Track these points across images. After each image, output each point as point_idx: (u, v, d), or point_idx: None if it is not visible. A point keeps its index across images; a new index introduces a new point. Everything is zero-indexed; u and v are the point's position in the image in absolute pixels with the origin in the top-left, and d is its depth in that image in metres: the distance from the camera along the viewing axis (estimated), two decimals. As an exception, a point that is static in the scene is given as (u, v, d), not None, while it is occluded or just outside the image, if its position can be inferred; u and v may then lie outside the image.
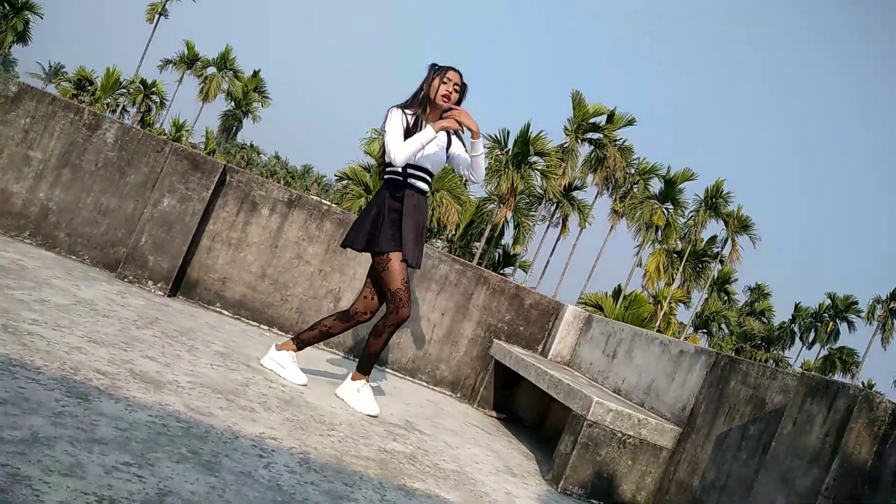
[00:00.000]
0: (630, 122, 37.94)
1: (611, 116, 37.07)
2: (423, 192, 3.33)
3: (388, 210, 3.25)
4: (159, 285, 4.21)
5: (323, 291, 4.60)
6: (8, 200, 4.17)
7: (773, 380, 3.03)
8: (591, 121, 36.75)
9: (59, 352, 2.36)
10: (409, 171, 3.28)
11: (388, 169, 3.33)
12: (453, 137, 3.47)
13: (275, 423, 2.53)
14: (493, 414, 4.71)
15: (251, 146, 68.51)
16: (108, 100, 44.74)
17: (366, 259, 4.63)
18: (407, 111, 3.28)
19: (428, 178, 3.34)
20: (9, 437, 1.62)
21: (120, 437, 1.85)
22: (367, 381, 3.35)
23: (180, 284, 4.37)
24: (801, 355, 59.28)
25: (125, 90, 46.63)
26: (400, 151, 3.17)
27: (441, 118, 3.29)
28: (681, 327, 45.66)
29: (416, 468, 2.69)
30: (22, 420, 1.73)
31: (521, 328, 4.97)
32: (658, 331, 37.66)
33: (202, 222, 4.36)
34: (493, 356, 4.73)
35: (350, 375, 3.38)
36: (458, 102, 3.32)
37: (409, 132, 3.22)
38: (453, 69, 3.31)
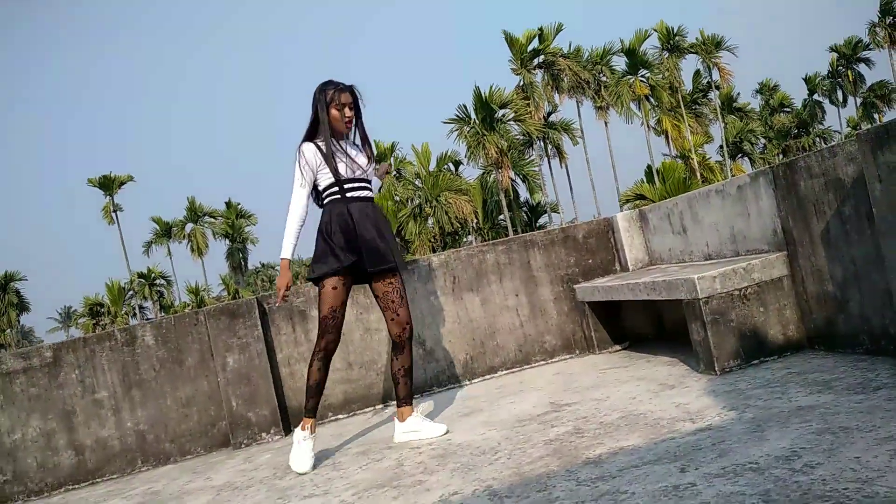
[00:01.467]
0: (559, 30, 37.59)
1: (541, 37, 36.76)
2: (363, 199, 3.35)
3: (329, 231, 3.29)
4: (272, 432, 4.27)
5: (406, 344, 4.62)
6: (106, 446, 4.29)
7: (835, 157, 2.95)
8: (530, 49, 36.48)
9: (233, 542, 2.40)
10: (345, 186, 3.31)
11: (326, 193, 3.35)
12: (357, 143, 3.47)
13: (446, 480, 2.55)
14: (617, 348, 4.68)
15: (263, 266, 69.38)
16: (125, 309, 45.76)
17: (422, 288, 4.65)
18: (319, 142, 3.31)
19: (364, 185, 3.37)
20: None
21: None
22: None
23: (289, 419, 4.44)
24: (841, 118, 57.53)
25: (132, 291, 47.67)
26: (291, 212, 3.28)
27: (345, 139, 3.39)
28: (720, 166, 44.90)
29: (588, 437, 2.69)
30: None
31: (590, 261, 4.93)
32: (704, 181, 37.11)
33: (271, 356, 4.42)
34: (583, 300, 4.70)
35: (397, 418, 3.43)
36: (358, 117, 3.39)
37: (328, 158, 3.27)
38: (343, 92, 3.30)
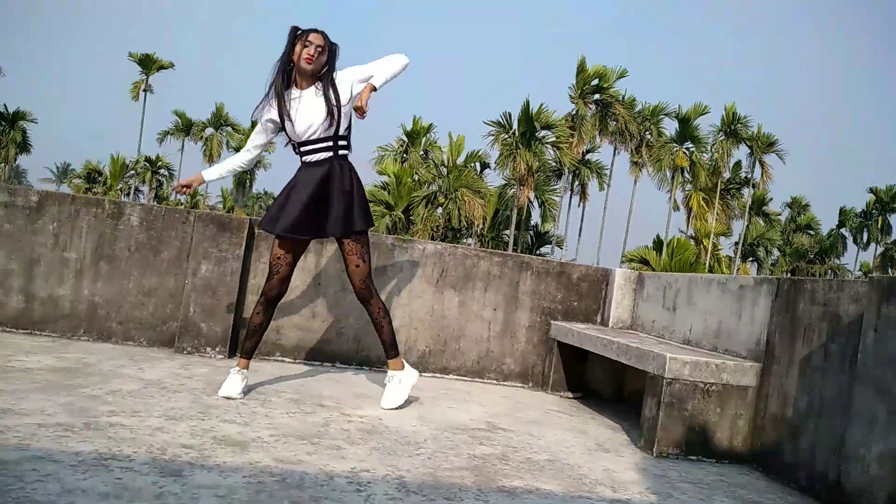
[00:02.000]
0: (622, 75, 37.54)
1: (603, 75, 36.74)
2: (314, 164, 3.29)
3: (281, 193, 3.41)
4: (217, 349, 4.27)
5: (374, 316, 4.61)
6: (57, 305, 4.28)
7: (841, 291, 2.96)
8: (593, 83, 36.46)
9: (143, 436, 2.41)
10: (301, 149, 3.30)
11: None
12: (346, 83, 3.27)
13: (363, 455, 2.55)
14: (569, 395, 4.69)
15: (266, 193, 69.27)
16: (120, 185, 45.63)
17: (408, 269, 4.65)
18: (271, 99, 3.24)
19: (322, 145, 3.26)
20: (120, 531, 1.66)
21: (223, 506, 1.89)
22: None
23: (237, 342, 4.43)
24: (857, 259, 57.72)
25: (133, 171, 47.54)
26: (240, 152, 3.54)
27: (315, 83, 3.24)
28: (729, 261, 44.96)
29: (510, 466, 2.69)
30: (128, 512, 1.77)
31: (575, 303, 4.93)
32: (710, 270, 37.17)
33: (243, 278, 4.41)
34: (555, 338, 4.70)
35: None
36: (329, 64, 3.24)
37: (282, 113, 3.22)
38: (315, 31, 3.21)
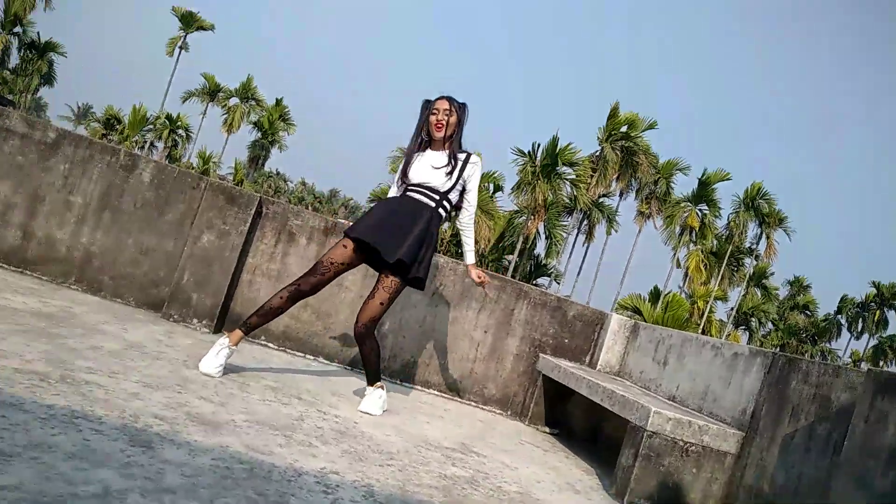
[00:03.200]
0: (651, 126, 37.72)
1: (632, 122, 36.88)
2: (414, 200, 3.45)
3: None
4: (204, 322, 4.23)
5: (365, 316, 4.58)
6: (53, 247, 4.24)
7: (836, 377, 2.93)
8: (622, 129, 36.62)
9: (117, 399, 2.36)
10: (408, 187, 3.50)
11: None
12: (467, 173, 3.54)
13: (334, 457, 2.51)
14: (546, 430, 4.64)
15: (278, 174, 69.27)
16: (136, 137, 45.60)
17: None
18: (409, 150, 3.59)
19: (428, 192, 3.45)
20: (83, 492, 1.61)
21: (187, 484, 1.84)
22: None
23: (224, 320, 4.39)
24: (849, 346, 57.69)
25: (152, 126, 47.52)
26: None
27: (443, 148, 3.52)
28: (721, 325, 44.92)
29: (480, 493, 2.65)
30: (93, 474, 1.72)
31: (566, 341, 4.90)
32: (703, 331, 37.11)
33: (242, 256, 4.38)
34: (541, 371, 4.66)
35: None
36: (459, 123, 3.51)
37: (406, 166, 3.52)
38: (441, 98, 3.52)
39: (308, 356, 4.48)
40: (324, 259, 3.33)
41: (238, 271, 4.39)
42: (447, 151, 3.49)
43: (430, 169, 3.45)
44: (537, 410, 4.67)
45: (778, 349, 54.24)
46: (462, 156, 3.50)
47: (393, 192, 3.62)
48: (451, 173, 3.44)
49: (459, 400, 4.69)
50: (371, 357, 3.43)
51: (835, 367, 2.98)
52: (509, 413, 4.77)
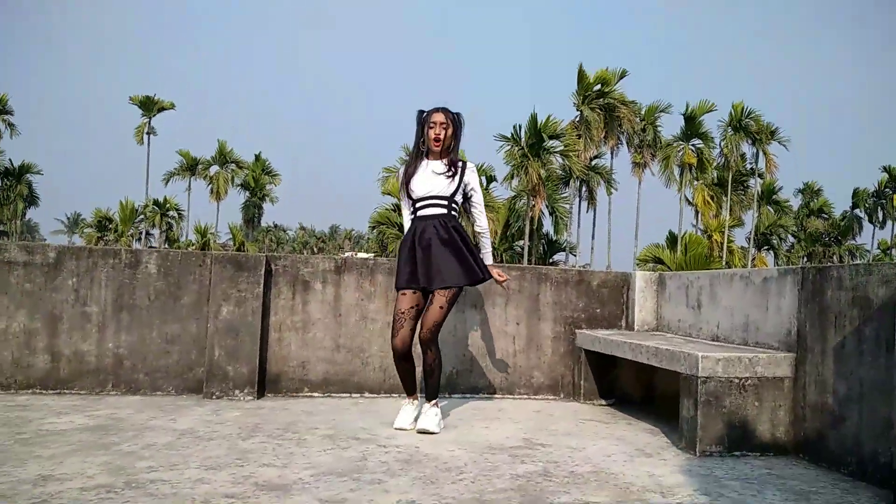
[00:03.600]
0: (623, 75, 37.55)
1: (604, 79, 36.71)
2: (428, 217, 3.61)
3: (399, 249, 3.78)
4: (246, 391, 4.26)
5: (398, 342, 4.60)
6: (83, 360, 4.29)
7: (869, 275, 2.92)
8: (596, 88, 36.45)
9: (184, 490, 2.39)
10: (416, 206, 3.67)
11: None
12: (467, 177, 3.69)
13: (405, 487, 2.53)
14: (602, 402, 4.64)
15: (276, 226, 69.64)
16: (131, 231, 45.91)
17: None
18: (407, 166, 3.74)
19: (436, 202, 3.61)
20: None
21: (273, 553, 1.86)
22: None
23: (265, 383, 4.42)
24: (875, 238, 57.11)
25: (143, 216, 47.84)
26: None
27: (441, 158, 3.67)
28: (743, 252, 44.66)
29: (555, 482, 2.66)
30: (180, 568, 1.75)
31: (598, 310, 4.90)
32: (727, 264, 36.89)
33: (265, 317, 4.41)
34: (581, 346, 4.67)
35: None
36: (455, 134, 3.65)
37: (406, 182, 3.66)
38: (437, 110, 3.63)
39: (354, 395, 4.51)
40: (394, 314, 3.60)
41: (265, 332, 4.43)
42: (446, 160, 3.65)
43: (432, 176, 3.61)
44: (588, 386, 4.67)
45: (805, 259, 53.86)
46: (459, 163, 3.67)
47: (405, 209, 3.79)
48: (452, 178, 3.61)
49: (511, 396, 4.69)
50: (434, 368, 3.56)
51: (865, 266, 2.97)
52: (562, 396, 4.78)
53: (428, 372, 3.58)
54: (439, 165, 3.64)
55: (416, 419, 3.57)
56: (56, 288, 4.30)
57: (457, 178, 3.62)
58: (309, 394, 4.47)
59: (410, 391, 3.69)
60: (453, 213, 3.65)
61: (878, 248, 55.91)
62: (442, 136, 3.59)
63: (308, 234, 77.88)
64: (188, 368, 4.38)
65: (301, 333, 4.50)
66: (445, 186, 3.60)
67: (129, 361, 4.33)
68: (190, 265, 4.43)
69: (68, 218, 76.17)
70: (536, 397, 4.74)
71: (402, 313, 3.55)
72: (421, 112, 3.67)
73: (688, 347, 3.55)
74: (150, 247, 50.75)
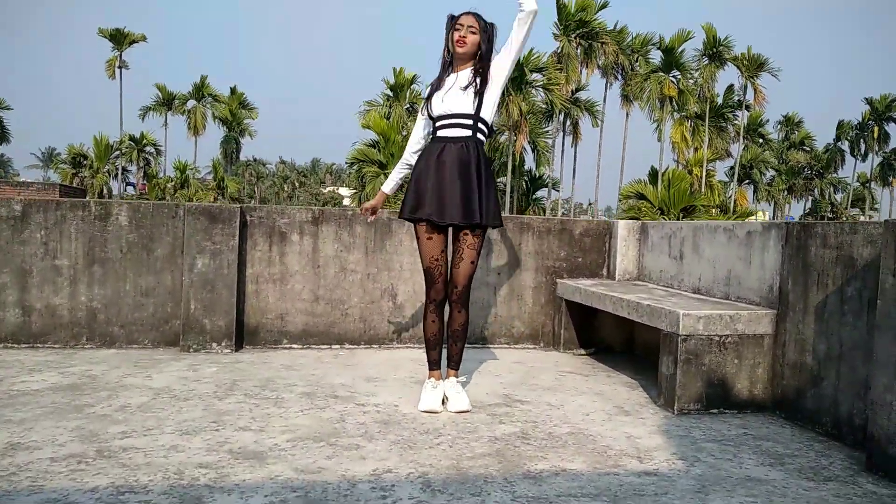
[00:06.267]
0: (604, 5, 36.63)
1: (585, 7, 35.77)
2: (451, 140, 3.09)
3: (414, 172, 3.20)
4: (223, 344, 4.21)
5: (378, 293, 4.55)
6: (55, 314, 4.20)
7: (854, 234, 2.88)
8: (576, 18, 35.56)
9: (157, 459, 2.35)
10: (437, 123, 3.15)
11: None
12: (491, 68, 3.12)
13: (383, 453, 2.51)
14: (582, 352, 4.65)
15: (255, 160, 68.63)
16: (107, 167, 45.07)
17: (407, 242, 4.56)
18: (434, 81, 3.22)
19: (461, 121, 3.09)
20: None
21: (246, 534, 1.84)
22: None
23: (243, 335, 4.37)
24: (855, 170, 57.28)
25: (118, 151, 46.91)
26: (408, 145, 3.36)
27: (471, 64, 3.12)
28: (723, 186, 44.74)
29: (533, 446, 2.65)
30: (149, 556, 1.72)
31: (580, 259, 4.86)
32: (715, 209, 36.84)
33: (241, 269, 4.33)
34: (562, 296, 4.64)
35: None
36: (489, 42, 3.10)
37: (430, 93, 3.17)
38: (467, 13, 3.11)
39: (333, 346, 4.48)
40: (427, 264, 3.14)
41: (241, 284, 4.35)
42: (472, 71, 3.11)
43: (456, 92, 3.09)
44: (568, 335, 4.67)
45: (786, 192, 54.17)
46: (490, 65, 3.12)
47: (419, 127, 3.28)
48: (477, 91, 3.08)
49: (491, 346, 4.69)
50: (463, 331, 3.20)
51: (850, 225, 2.92)
52: (542, 345, 4.78)
53: (458, 335, 3.19)
54: (464, 77, 3.11)
55: (443, 399, 3.15)
56: (24, 241, 4.17)
57: (479, 85, 3.07)
58: (288, 346, 4.43)
59: (437, 363, 3.24)
60: (480, 135, 3.12)
61: (858, 180, 56.30)
62: (467, 38, 3.05)
63: (288, 167, 76.94)
64: (164, 321, 4.31)
65: (279, 285, 4.43)
66: (470, 102, 3.07)
67: (104, 315, 4.25)
68: (162, 217, 4.31)
69: (42, 153, 74.68)
70: (517, 346, 4.74)
71: (436, 259, 3.11)
72: (451, 16, 3.14)
73: (669, 303, 3.52)
74: (128, 183, 49.98)
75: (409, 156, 3.32)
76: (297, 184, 71.43)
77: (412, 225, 3.24)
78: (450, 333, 3.22)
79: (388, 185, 3.43)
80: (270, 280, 4.42)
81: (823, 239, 3.05)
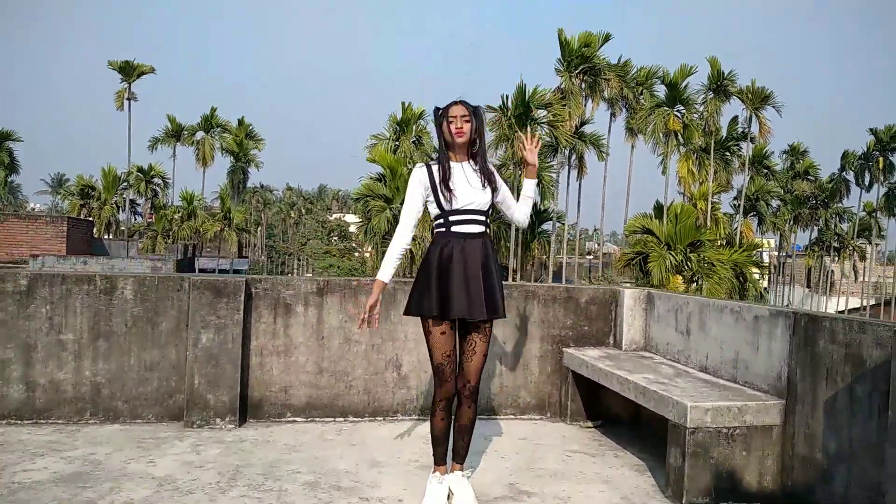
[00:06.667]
0: (606, 39, 36.82)
1: (588, 43, 35.99)
2: (469, 236, 3.09)
3: (429, 268, 3.10)
4: (227, 419, 4.18)
5: (382, 365, 4.53)
6: (59, 389, 4.18)
7: (863, 334, 2.85)
8: (580, 53, 35.78)
9: (158, 577, 2.32)
10: (452, 218, 3.10)
11: (434, 223, 3.17)
12: (497, 178, 3.20)
13: (387, 566, 2.47)
14: (589, 424, 4.60)
15: (262, 187, 68.95)
16: (115, 199, 45.32)
17: (410, 320, 4.53)
18: (432, 164, 3.16)
19: (476, 217, 3.10)
20: None
21: None
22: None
23: (247, 409, 4.35)
24: (861, 200, 57.14)
25: (126, 183, 47.18)
26: (396, 233, 3.17)
27: (468, 153, 3.16)
28: (729, 218, 44.62)
29: (539, 555, 2.61)
30: None
31: (586, 328, 4.83)
32: (720, 242, 36.72)
33: (245, 342, 4.31)
34: (569, 367, 4.61)
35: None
36: (478, 128, 3.12)
37: (443, 180, 3.08)
38: (454, 103, 3.12)
39: (338, 419, 4.44)
40: (439, 360, 3.07)
41: (245, 358, 4.33)
42: (477, 166, 3.16)
43: (468, 188, 3.09)
44: (575, 407, 4.63)
45: (791, 222, 54.01)
46: (492, 167, 3.21)
47: (415, 211, 3.17)
48: (485, 188, 3.13)
49: (498, 417, 4.65)
50: (472, 426, 3.14)
51: (859, 323, 2.90)
52: (549, 415, 4.74)
53: (467, 430, 3.13)
54: (472, 174, 3.13)
55: (448, 496, 3.09)
56: (29, 316, 4.17)
57: (489, 187, 3.13)
58: (292, 419, 4.40)
59: (443, 458, 3.14)
60: (489, 230, 3.19)
61: (864, 209, 56.12)
62: (463, 128, 3.07)
63: (295, 194, 77.22)
64: (168, 395, 4.29)
65: (283, 358, 4.41)
66: (486, 200, 3.12)
67: (108, 389, 4.23)
68: (167, 290, 4.31)
69: (53, 178, 75.22)
70: (523, 417, 4.70)
71: (448, 356, 3.06)
72: (437, 109, 3.17)
73: (677, 390, 3.49)
74: (136, 213, 50.19)
75: (406, 242, 3.19)
76: (303, 210, 71.66)
77: (418, 319, 3.20)
78: (457, 427, 3.14)
79: (387, 274, 3.22)
80: (275, 352, 4.41)
81: (832, 334, 3.02)
